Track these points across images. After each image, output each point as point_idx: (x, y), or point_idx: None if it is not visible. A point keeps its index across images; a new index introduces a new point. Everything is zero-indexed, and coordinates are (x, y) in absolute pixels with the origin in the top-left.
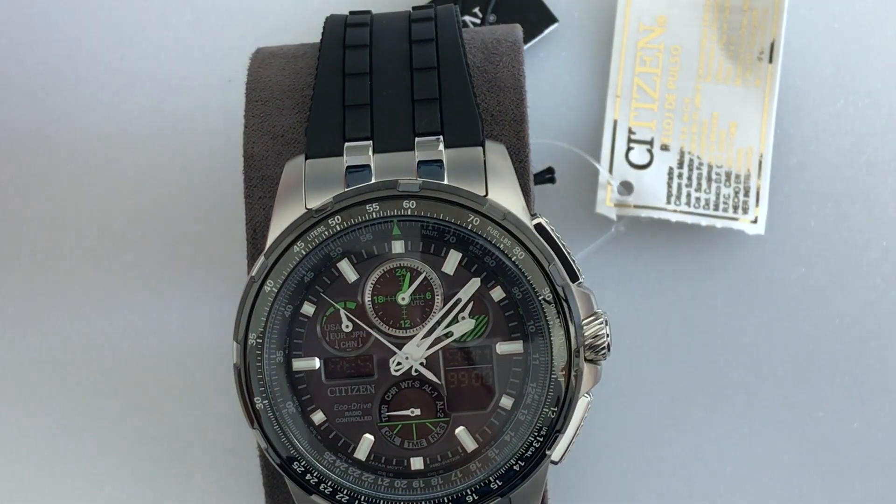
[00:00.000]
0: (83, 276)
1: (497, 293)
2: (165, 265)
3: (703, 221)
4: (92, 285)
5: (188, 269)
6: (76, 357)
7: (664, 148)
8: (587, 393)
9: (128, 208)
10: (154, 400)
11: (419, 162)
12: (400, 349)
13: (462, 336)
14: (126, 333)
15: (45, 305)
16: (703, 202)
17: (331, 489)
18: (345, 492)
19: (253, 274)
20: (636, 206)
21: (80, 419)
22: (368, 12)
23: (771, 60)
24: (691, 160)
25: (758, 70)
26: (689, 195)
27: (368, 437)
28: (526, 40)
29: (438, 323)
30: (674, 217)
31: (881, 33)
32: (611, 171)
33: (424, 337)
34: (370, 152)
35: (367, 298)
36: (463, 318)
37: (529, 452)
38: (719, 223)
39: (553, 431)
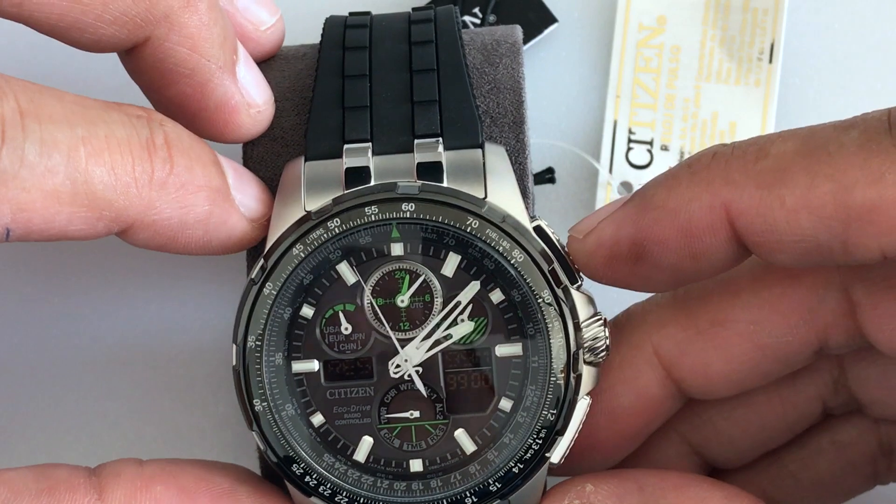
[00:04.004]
0: (83, 276)
1: (496, 296)
2: (165, 266)
3: None
4: (91, 287)
5: (188, 270)
6: (76, 358)
7: (664, 148)
8: (587, 395)
9: None
10: (154, 400)
11: (418, 164)
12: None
13: (461, 338)
14: (126, 335)
15: (46, 307)
16: None
17: (330, 491)
18: (344, 494)
19: (252, 276)
20: None
21: (81, 419)
22: (368, 13)
23: (771, 60)
24: None
25: (758, 70)
26: None
27: (368, 439)
28: (526, 40)
29: (438, 325)
30: None
31: (881, 33)
32: (611, 171)
33: (424, 339)
34: (369, 154)
35: (367, 301)
36: (462, 320)
37: (529, 455)
38: None
39: (552, 434)
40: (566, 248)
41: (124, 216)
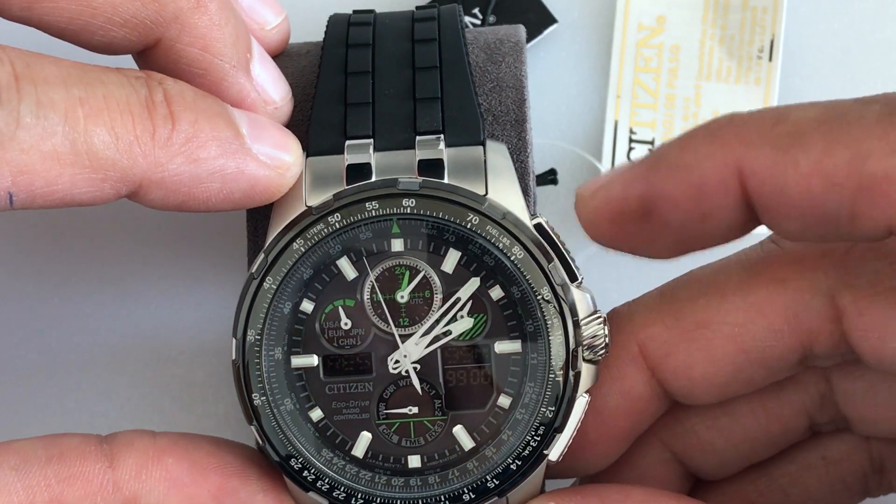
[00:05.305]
0: (83, 277)
1: (496, 292)
2: (165, 267)
3: None
4: (92, 287)
5: (188, 270)
6: (76, 358)
7: None
8: (586, 392)
9: (128, 206)
10: (154, 400)
11: (420, 160)
12: (399, 347)
13: (460, 335)
14: (126, 335)
15: (46, 306)
16: None
17: (328, 486)
18: (342, 489)
19: (252, 271)
20: None
21: (81, 419)
22: (372, 11)
23: (771, 58)
24: None
25: (758, 68)
26: None
27: (366, 435)
28: (526, 41)
29: (437, 321)
30: None
31: (881, 33)
32: None
33: (423, 335)
34: (371, 150)
35: (367, 296)
36: (462, 316)
37: (527, 452)
38: None
39: (551, 431)
40: (566, 246)
41: (130, 176)
